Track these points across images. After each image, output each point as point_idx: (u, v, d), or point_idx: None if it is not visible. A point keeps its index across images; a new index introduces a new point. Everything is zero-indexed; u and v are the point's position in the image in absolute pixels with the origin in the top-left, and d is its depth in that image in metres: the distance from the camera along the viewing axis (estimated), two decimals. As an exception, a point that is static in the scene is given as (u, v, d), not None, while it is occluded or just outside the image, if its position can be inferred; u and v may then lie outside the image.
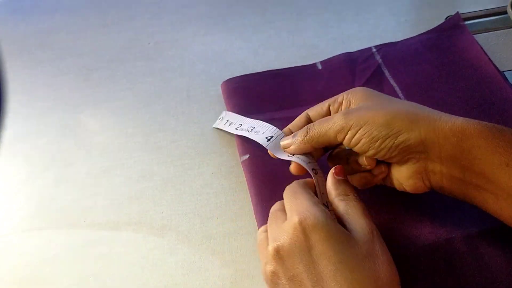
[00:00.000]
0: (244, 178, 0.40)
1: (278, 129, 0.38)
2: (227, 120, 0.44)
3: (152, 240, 0.38)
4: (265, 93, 0.46)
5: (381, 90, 0.45)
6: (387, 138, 0.29)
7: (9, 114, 0.48)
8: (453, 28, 0.50)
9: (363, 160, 0.32)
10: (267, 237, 0.30)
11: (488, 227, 0.34)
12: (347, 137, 0.31)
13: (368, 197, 0.37)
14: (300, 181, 0.32)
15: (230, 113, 0.44)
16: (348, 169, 0.34)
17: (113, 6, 0.60)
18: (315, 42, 0.52)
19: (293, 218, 0.28)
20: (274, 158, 0.37)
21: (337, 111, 0.35)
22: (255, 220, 0.37)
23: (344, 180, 0.32)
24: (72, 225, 0.39)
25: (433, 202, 0.36)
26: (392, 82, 0.46)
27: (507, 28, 0.50)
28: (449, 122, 0.29)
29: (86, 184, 0.42)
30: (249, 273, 0.35)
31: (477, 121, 0.29)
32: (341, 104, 0.34)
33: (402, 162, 0.31)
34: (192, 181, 0.41)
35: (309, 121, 0.36)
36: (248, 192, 0.39)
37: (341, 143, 0.32)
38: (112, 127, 0.46)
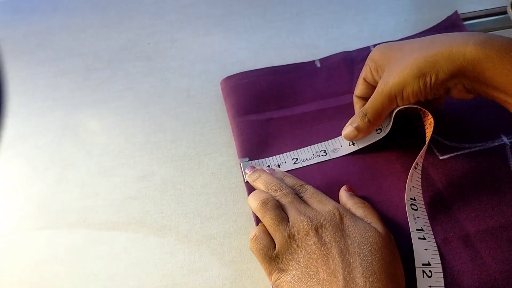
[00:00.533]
0: (244, 178, 0.40)
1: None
2: (268, 166, 0.40)
3: (152, 240, 0.38)
4: (264, 92, 0.46)
5: None
6: (426, 86, 0.34)
7: (9, 114, 0.48)
8: (452, 27, 0.50)
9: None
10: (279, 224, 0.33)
11: (485, 227, 0.34)
12: (398, 103, 0.36)
13: (364, 197, 0.37)
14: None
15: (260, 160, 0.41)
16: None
17: (113, 6, 0.60)
18: (315, 42, 0.52)
19: (329, 205, 0.33)
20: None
21: (373, 79, 0.38)
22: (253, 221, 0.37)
23: (355, 195, 0.36)
24: (72, 225, 0.39)
25: (430, 202, 0.37)
26: None
27: (507, 28, 0.50)
28: (461, 54, 0.32)
29: (86, 184, 0.42)
30: (249, 273, 0.35)
31: (487, 43, 0.32)
32: (371, 71, 0.38)
33: (443, 87, 0.35)
34: (192, 181, 0.41)
35: (364, 102, 0.39)
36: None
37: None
38: (112, 127, 0.46)
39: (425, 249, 0.32)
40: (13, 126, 0.47)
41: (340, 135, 0.41)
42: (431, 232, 0.33)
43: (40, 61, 0.54)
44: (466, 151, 0.39)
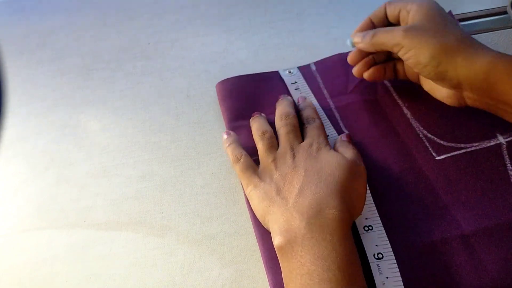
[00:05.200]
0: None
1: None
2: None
3: (152, 240, 0.38)
4: (260, 96, 0.46)
5: (374, 90, 0.45)
6: (429, 65, 0.36)
7: (9, 114, 0.48)
8: None
9: (403, 68, 0.42)
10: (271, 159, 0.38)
11: (483, 226, 0.34)
12: (399, 52, 0.37)
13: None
14: None
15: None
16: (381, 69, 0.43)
17: (113, 6, 0.60)
18: (315, 42, 0.52)
19: (315, 139, 0.39)
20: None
21: (395, 18, 0.40)
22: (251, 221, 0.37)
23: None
24: (72, 225, 0.39)
25: (428, 203, 0.37)
26: (385, 82, 0.46)
27: (507, 28, 0.50)
28: (481, 59, 0.34)
29: (86, 184, 0.42)
30: (249, 273, 0.35)
31: (506, 56, 0.33)
32: (399, 11, 0.39)
33: (440, 82, 0.37)
34: (192, 181, 0.41)
35: (372, 25, 0.42)
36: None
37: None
38: (112, 127, 0.46)
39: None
40: (13, 126, 0.47)
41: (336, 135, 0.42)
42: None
43: (40, 61, 0.54)
44: (462, 151, 0.40)
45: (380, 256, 0.33)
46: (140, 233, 0.38)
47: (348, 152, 0.37)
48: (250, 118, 0.43)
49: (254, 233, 0.37)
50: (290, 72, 0.48)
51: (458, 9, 0.51)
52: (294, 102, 0.44)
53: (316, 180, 0.34)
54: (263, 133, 0.40)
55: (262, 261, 0.35)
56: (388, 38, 0.38)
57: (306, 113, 0.42)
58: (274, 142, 0.40)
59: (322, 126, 0.41)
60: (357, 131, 0.42)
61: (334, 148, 0.39)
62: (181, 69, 0.51)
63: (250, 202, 0.37)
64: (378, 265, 0.33)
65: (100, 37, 0.56)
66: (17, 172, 0.44)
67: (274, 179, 0.36)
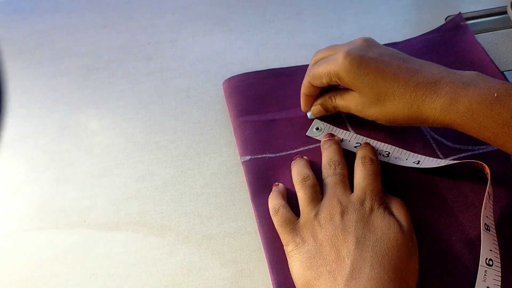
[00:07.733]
0: (244, 178, 0.40)
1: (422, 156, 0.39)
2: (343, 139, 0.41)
3: (152, 240, 0.38)
4: (267, 93, 0.46)
5: None
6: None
7: (9, 114, 0.48)
8: (455, 28, 0.49)
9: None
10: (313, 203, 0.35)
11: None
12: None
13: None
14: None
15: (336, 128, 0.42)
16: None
17: (113, 6, 0.60)
18: (315, 42, 0.52)
19: (368, 195, 0.34)
20: (276, 161, 0.40)
21: (327, 84, 0.39)
22: (255, 221, 0.37)
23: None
24: (72, 225, 0.39)
25: (432, 206, 0.36)
26: None
27: (507, 28, 0.50)
28: (448, 119, 0.33)
29: (86, 184, 0.42)
30: (249, 273, 0.35)
31: (474, 102, 0.32)
32: (330, 80, 0.38)
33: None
34: (192, 181, 0.41)
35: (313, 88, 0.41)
36: (248, 193, 0.39)
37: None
38: (112, 127, 0.46)
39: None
40: (13, 126, 0.47)
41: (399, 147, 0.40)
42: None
43: (40, 61, 0.54)
44: (469, 153, 0.39)
45: (490, 263, 0.32)
46: (140, 233, 0.38)
47: (402, 217, 0.33)
48: (259, 114, 0.44)
49: (254, 233, 0.37)
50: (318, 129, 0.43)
51: (459, 9, 0.51)
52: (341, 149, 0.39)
53: (370, 258, 0.30)
54: (304, 179, 0.36)
55: (262, 261, 0.35)
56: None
57: (364, 151, 0.37)
58: (317, 190, 0.36)
59: (378, 173, 0.36)
60: (364, 131, 0.42)
61: (386, 203, 0.35)
62: (181, 69, 0.51)
63: (289, 265, 0.33)
64: (485, 271, 0.31)
65: (100, 37, 0.56)
66: (17, 172, 0.44)
67: (318, 239, 0.32)
